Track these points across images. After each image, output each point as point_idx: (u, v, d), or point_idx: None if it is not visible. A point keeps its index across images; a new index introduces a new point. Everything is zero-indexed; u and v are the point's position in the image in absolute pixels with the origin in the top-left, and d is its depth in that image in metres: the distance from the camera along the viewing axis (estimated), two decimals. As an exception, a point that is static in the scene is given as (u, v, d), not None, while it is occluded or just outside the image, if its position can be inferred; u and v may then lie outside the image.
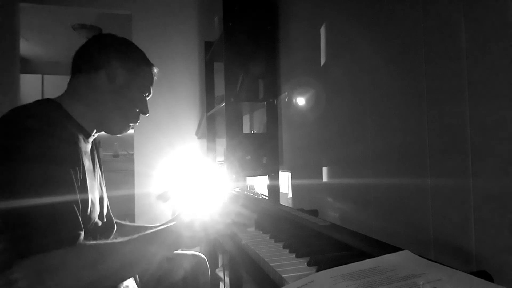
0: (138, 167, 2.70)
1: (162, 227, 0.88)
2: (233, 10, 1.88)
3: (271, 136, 1.92)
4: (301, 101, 1.67)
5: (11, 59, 2.55)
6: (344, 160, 1.31)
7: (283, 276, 0.69)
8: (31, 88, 4.43)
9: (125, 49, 1.01)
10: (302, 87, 1.65)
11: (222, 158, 2.38)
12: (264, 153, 1.89)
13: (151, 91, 1.07)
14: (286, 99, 1.83)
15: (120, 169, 4.83)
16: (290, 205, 1.75)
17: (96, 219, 0.94)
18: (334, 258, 0.73)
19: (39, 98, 0.92)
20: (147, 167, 2.66)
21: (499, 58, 0.73)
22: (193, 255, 1.32)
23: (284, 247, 0.88)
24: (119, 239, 0.81)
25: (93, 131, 0.99)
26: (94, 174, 1.00)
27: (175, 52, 2.81)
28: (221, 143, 2.35)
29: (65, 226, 0.73)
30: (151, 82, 1.06)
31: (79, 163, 0.84)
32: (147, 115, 1.06)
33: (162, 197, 2.52)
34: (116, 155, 5.30)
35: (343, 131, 1.31)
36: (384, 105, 1.09)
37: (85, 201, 0.86)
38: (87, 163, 0.94)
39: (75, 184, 0.79)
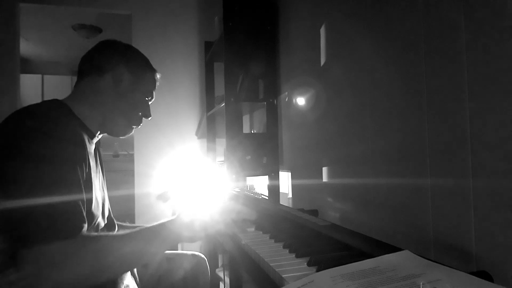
0: (138, 167, 2.70)
1: (162, 224, 0.87)
2: (233, 10, 1.88)
3: (271, 136, 1.92)
4: (301, 101, 1.67)
5: (11, 59, 2.55)
6: (344, 160, 1.31)
7: (283, 276, 0.69)
8: (31, 88, 4.43)
9: (130, 54, 1.05)
10: (302, 87, 1.65)
11: (222, 158, 2.38)
12: (264, 153, 1.89)
13: (154, 95, 1.10)
14: (286, 99, 1.83)
15: (120, 169, 4.83)
16: (290, 205, 1.75)
17: (99, 218, 0.95)
18: (334, 258, 0.73)
19: (39, 98, 0.94)
20: (147, 167, 2.66)
21: (499, 58, 0.73)
22: (193, 255, 1.32)
23: (284, 247, 0.88)
24: (120, 232, 0.82)
25: (97, 132, 1.01)
26: (97, 174, 1.01)
27: (175, 52, 2.81)
28: (221, 143, 2.35)
29: (69, 218, 0.74)
30: (154, 87, 1.10)
31: (85, 161, 0.86)
32: (149, 118, 1.10)
33: (162, 197, 2.52)
34: (116, 155, 5.30)
35: (343, 131, 1.31)
36: (384, 105, 1.09)
37: (89, 199, 0.87)
38: (92, 163, 0.95)
39: (81, 181, 0.81)
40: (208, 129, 2.50)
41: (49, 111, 0.87)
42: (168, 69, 2.79)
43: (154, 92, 1.10)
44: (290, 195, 1.80)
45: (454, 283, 0.56)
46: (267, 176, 1.90)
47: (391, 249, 0.74)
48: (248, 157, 1.87)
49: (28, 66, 4.84)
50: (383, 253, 0.69)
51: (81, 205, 0.78)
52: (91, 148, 1.00)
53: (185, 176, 2.61)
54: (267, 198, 1.84)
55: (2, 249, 0.75)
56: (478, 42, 0.77)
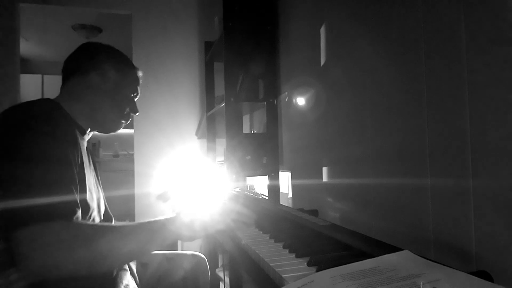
0: (138, 167, 2.70)
1: (162, 224, 0.87)
2: (233, 10, 1.88)
3: (271, 136, 1.92)
4: (301, 101, 1.67)
5: (11, 59, 2.55)
6: (344, 160, 1.31)
7: (283, 276, 0.69)
8: (31, 88, 4.43)
9: (113, 54, 1.09)
10: (302, 87, 1.65)
11: (222, 158, 2.38)
12: (264, 153, 1.89)
13: (139, 91, 1.15)
14: (286, 99, 1.83)
15: (120, 169, 4.84)
16: (290, 205, 1.75)
17: (95, 211, 0.95)
18: (334, 258, 0.73)
19: (39, 98, 0.96)
20: (147, 167, 2.66)
21: (499, 58, 0.73)
22: (193, 255, 1.32)
23: (284, 247, 0.88)
24: (119, 224, 0.83)
25: (87, 129, 1.04)
26: (90, 171, 1.02)
27: (175, 52, 2.81)
28: (221, 143, 2.35)
29: (62, 201, 0.76)
30: (137, 84, 1.14)
31: (77, 152, 0.88)
32: (137, 114, 1.14)
33: (162, 197, 2.52)
34: (116, 155, 5.30)
35: (343, 131, 1.31)
36: (384, 105, 1.09)
37: (83, 186, 0.88)
38: (84, 158, 0.96)
39: (74, 170, 0.83)
40: (208, 129, 2.50)
41: (41, 108, 0.89)
42: (168, 69, 2.79)
43: (139, 89, 1.14)
44: (290, 195, 1.80)
45: (454, 283, 0.56)
46: (267, 176, 1.90)
47: (391, 249, 0.74)
48: (248, 157, 1.87)
49: (28, 66, 4.84)
50: (383, 253, 0.69)
51: (75, 192, 0.80)
52: (83, 145, 1.02)
53: (185, 176, 2.61)
54: (267, 198, 1.84)
55: (2, 249, 0.75)
56: (478, 42, 0.77)
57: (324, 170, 1.44)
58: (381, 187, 1.09)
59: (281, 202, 1.83)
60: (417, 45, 0.94)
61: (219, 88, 2.38)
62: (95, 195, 0.99)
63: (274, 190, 1.89)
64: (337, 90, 1.36)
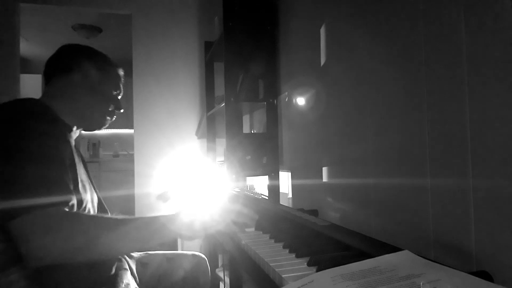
0: (138, 167, 2.70)
1: (162, 224, 0.87)
2: (233, 10, 1.88)
3: (271, 136, 1.91)
4: (301, 101, 1.67)
5: (11, 59, 2.55)
6: (344, 160, 1.31)
7: (283, 276, 0.69)
8: (31, 88, 4.43)
9: (93, 53, 1.11)
10: (302, 87, 1.65)
11: (222, 158, 2.38)
12: (264, 153, 1.89)
13: (122, 89, 1.16)
14: (286, 99, 1.83)
15: (120, 169, 4.84)
16: (290, 205, 1.75)
17: (89, 203, 0.97)
18: (334, 258, 0.73)
19: (23, 98, 0.98)
20: (147, 167, 2.66)
21: (499, 59, 0.73)
22: (193, 255, 1.32)
23: (284, 247, 0.88)
24: (118, 216, 0.84)
25: (73, 127, 1.05)
26: (81, 167, 1.03)
27: (175, 52, 2.81)
28: (221, 143, 2.35)
29: (56, 187, 0.78)
30: (119, 81, 1.15)
31: (66, 143, 0.90)
32: (121, 110, 1.15)
33: (162, 197, 2.52)
34: (116, 155, 5.30)
35: (343, 131, 1.31)
36: (384, 105, 1.09)
37: (75, 177, 0.89)
38: (74, 154, 0.97)
39: (65, 160, 0.85)
40: (208, 129, 2.50)
41: (28, 106, 0.91)
42: (168, 69, 2.79)
43: (121, 86, 1.16)
44: (290, 195, 1.80)
45: (454, 283, 0.56)
46: (267, 176, 1.90)
47: (391, 249, 0.74)
48: (248, 157, 1.87)
49: (28, 66, 4.84)
50: (383, 253, 0.69)
51: (68, 181, 0.82)
52: (71, 141, 1.03)
53: (185, 176, 2.61)
54: (267, 198, 1.84)
55: (2, 249, 0.75)
56: (478, 43, 0.77)
57: (324, 170, 1.44)
58: (381, 187, 1.09)
59: (281, 202, 1.83)
60: (417, 45, 0.94)
61: (219, 88, 2.38)
62: (88, 190, 1.00)
63: (274, 190, 1.89)
64: (337, 90, 1.36)
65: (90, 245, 0.76)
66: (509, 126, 0.71)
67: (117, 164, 4.97)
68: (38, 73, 4.71)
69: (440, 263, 0.65)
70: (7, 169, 0.76)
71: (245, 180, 1.99)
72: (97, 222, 0.80)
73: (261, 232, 1.05)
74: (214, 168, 2.41)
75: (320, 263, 0.72)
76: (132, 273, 1.14)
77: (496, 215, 0.73)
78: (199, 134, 2.77)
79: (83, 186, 0.95)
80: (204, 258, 1.33)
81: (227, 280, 1.83)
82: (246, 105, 2.02)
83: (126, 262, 1.13)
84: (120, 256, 1.10)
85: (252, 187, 2.08)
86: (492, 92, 0.74)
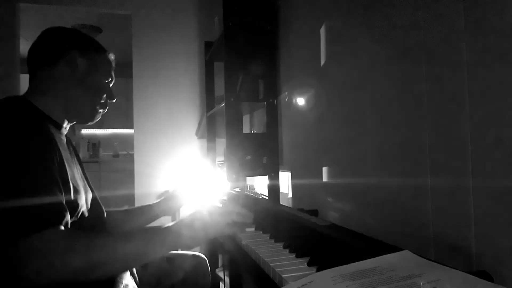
0: (138, 167, 2.70)
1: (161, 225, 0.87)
2: (233, 10, 1.88)
3: (271, 136, 1.91)
4: (301, 101, 1.67)
5: (11, 59, 2.55)
6: (344, 160, 1.31)
7: (283, 276, 0.69)
8: (31, 88, 4.42)
9: (79, 38, 1.02)
10: (302, 87, 1.65)
11: (222, 158, 2.38)
12: (264, 153, 1.89)
13: (113, 76, 1.08)
14: (286, 99, 1.83)
15: (120, 169, 4.84)
16: (290, 205, 1.74)
17: (83, 207, 0.92)
18: (334, 258, 0.73)
19: (6, 96, 0.92)
20: (147, 167, 2.66)
21: (499, 59, 0.73)
22: (194, 255, 1.32)
23: (284, 247, 0.88)
24: (116, 234, 0.82)
25: (63, 122, 1.00)
26: (73, 165, 0.98)
27: (175, 52, 2.81)
28: (221, 143, 2.35)
29: (48, 205, 0.73)
30: (110, 68, 1.07)
31: (54, 152, 0.83)
32: (114, 100, 1.07)
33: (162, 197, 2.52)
34: (116, 155, 5.30)
35: (343, 131, 1.31)
36: (384, 105, 1.09)
37: (66, 182, 0.84)
38: (64, 154, 0.92)
39: (54, 171, 0.79)
40: (208, 129, 2.50)
41: (8, 108, 0.85)
42: (168, 69, 2.79)
43: (113, 73, 1.08)
44: (290, 195, 1.80)
45: (454, 283, 0.56)
46: (267, 176, 1.90)
47: (391, 249, 0.74)
48: (248, 157, 1.87)
49: (28, 66, 4.84)
50: (383, 253, 0.69)
51: (59, 193, 0.77)
52: (61, 138, 0.99)
53: (185, 176, 2.61)
54: (267, 198, 1.84)
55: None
56: (478, 42, 0.77)
57: (324, 170, 1.44)
58: (381, 187, 1.09)
59: (281, 202, 1.83)
60: (417, 45, 0.94)
61: (219, 88, 2.38)
62: (82, 189, 0.95)
63: (274, 190, 1.89)
64: (337, 90, 1.36)
65: (90, 268, 0.72)
66: (509, 126, 0.71)
67: (117, 164, 4.97)
68: (38, 73, 4.70)
69: (440, 263, 0.65)
70: None
71: (245, 180, 1.99)
72: (96, 242, 0.75)
73: (261, 232, 1.05)
74: (214, 168, 2.41)
75: (320, 263, 0.72)
76: (131, 274, 1.14)
77: (496, 215, 0.73)
78: (199, 134, 2.77)
79: (76, 186, 0.90)
80: (204, 259, 1.33)
81: (227, 280, 1.83)
82: (246, 105, 2.01)
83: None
84: None
85: (252, 187, 2.08)
86: (492, 92, 0.74)
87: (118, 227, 1.18)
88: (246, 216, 0.93)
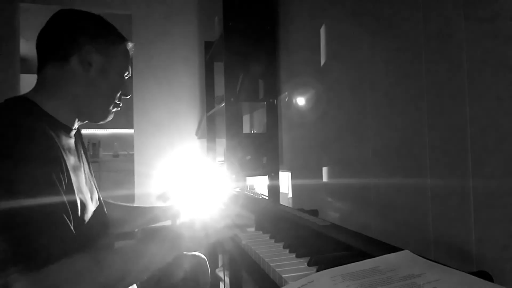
0: (138, 167, 2.70)
1: (161, 226, 0.87)
2: (233, 10, 1.88)
3: (271, 136, 1.91)
4: (301, 101, 1.67)
5: (11, 59, 2.55)
6: (344, 160, 1.31)
7: (283, 276, 0.69)
8: (31, 88, 4.42)
9: (95, 28, 0.91)
10: (302, 87, 1.65)
11: (222, 158, 2.38)
12: (264, 153, 1.89)
13: (130, 70, 0.98)
14: (286, 99, 1.83)
15: (120, 169, 4.84)
16: (290, 205, 1.75)
17: (89, 217, 0.89)
18: (334, 258, 0.73)
19: (10, 97, 0.85)
20: (147, 167, 2.66)
21: (499, 58, 0.73)
22: (193, 255, 1.31)
23: (284, 247, 0.88)
24: (117, 247, 0.80)
25: (73, 124, 0.92)
26: (81, 169, 0.94)
27: (175, 52, 2.81)
28: (221, 143, 2.35)
29: (55, 239, 0.69)
30: (128, 60, 0.97)
31: (61, 166, 0.77)
32: (129, 96, 0.99)
33: (162, 197, 2.52)
34: (116, 155, 5.30)
35: (343, 131, 1.31)
36: (384, 105, 1.09)
37: (74, 204, 0.81)
38: (72, 160, 0.88)
39: (58, 186, 0.74)
40: (208, 129, 2.50)
41: (10, 113, 0.78)
42: (168, 69, 2.79)
43: (130, 67, 0.98)
44: (290, 195, 1.80)
45: (454, 283, 0.56)
46: (267, 176, 1.90)
47: (391, 249, 0.74)
48: (248, 157, 1.87)
49: (28, 66, 4.83)
50: (383, 253, 0.69)
51: (66, 217, 0.72)
52: (70, 142, 0.91)
53: (185, 176, 2.61)
54: (267, 198, 1.84)
55: (2, 249, 0.75)
56: (478, 42, 0.77)
57: (324, 170, 1.44)
58: (381, 187, 1.09)
59: (281, 202, 1.83)
60: (417, 45, 0.94)
61: (219, 88, 2.38)
62: (89, 198, 0.91)
63: (274, 190, 1.89)
64: (337, 90, 1.36)
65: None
66: (509, 126, 0.71)
67: (117, 164, 4.97)
68: (38, 73, 4.71)
69: (440, 263, 0.65)
70: None
71: (245, 180, 1.99)
72: (102, 263, 0.73)
73: (261, 232, 1.05)
74: (214, 168, 2.41)
75: (320, 263, 0.72)
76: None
77: (496, 215, 0.73)
78: (199, 134, 2.77)
79: (83, 198, 0.86)
80: (204, 259, 1.32)
81: (227, 280, 1.83)
82: (246, 105, 2.02)
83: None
84: None
85: (252, 187, 2.08)
86: (492, 92, 0.74)
87: (120, 227, 1.18)
88: (247, 218, 0.93)
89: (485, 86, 0.76)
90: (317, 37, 1.48)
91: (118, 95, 0.95)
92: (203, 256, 1.33)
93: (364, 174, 1.18)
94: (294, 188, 1.76)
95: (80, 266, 0.71)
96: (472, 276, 0.57)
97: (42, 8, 3.12)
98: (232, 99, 1.87)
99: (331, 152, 1.40)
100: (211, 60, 2.51)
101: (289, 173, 1.81)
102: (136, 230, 1.26)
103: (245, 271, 1.24)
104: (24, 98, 0.85)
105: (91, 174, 1.04)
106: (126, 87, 0.97)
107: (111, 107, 0.95)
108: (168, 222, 1.30)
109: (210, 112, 2.43)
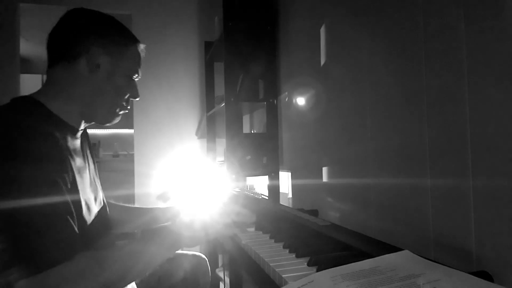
0: (138, 167, 2.70)
1: (161, 225, 0.87)
2: (233, 10, 1.88)
3: (271, 136, 1.91)
4: (301, 101, 1.67)
5: (11, 59, 2.55)
6: (344, 160, 1.31)
7: (283, 276, 0.69)
8: (31, 88, 4.42)
9: (106, 28, 0.91)
10: (302, 87, 1.65)
11: (222, 158, 2.38)
12: (264, 153, 1.89)
13: (140, 72, 0.97)
14: (286, 99, 1.83)
15: (120, 169, 4.84)
16: (290, 205, 1.75)
17: (92, 217, 0.90)
18: (334, 258, 0.73)
19: (18, 96, 0.85)
20: (147, 167, 2.66)
21: (499, 58, 0.73)
22: (194, 255, 1.32)
23: (284, 247, 0.88)
24: (117, 246, 0.81)
25: (80, 125, 0.92)
26: (86, 170, 0.94)
27: (175, 52, 2.81)
28: (221, 143, 2.35)
29: (59, 243, 0.70)
30: (138, 62, 0.96)
31: (66, 167, 0.77)
32: (137, 99, 0.98)
33: (162, 197, 2.52)
34: (116, 155, 5.30)
35: (343, 131, 1.31)
36: (384, 105, 1.09)
37: (79, 205, 0.82)
38: (78, 161, 0.88)
39: (63, 187, 0.74)
40: (208, 129, 2.50)
41: (18, 114, 0.78)
42: (168, 69, 2.79)
43: (139, 70, 0.97)
44: (290, 195, 1.80)
45: (454, 283, 0.56)
46: (267, 176, 1.90)
47: (391, 249, 0.74)
48: (248, 157, 1.87)
49: (28, 66, 4.84)
50: (383, 253, 0.69)
51: (70, 217, 0.73)
52: (76, 144, 0.91)
53: (185, 176, 2.61)
54: (267, 198, 1.84)
55: (2, 249, 0.75)
56: (478, 42, 0.77)
57: (324, 170, 1.44)
58: (381, 187, 1.09)
59: (281, 202, 1.83)
60: (417, 45, 0.94)
61: (219, 88, 2.38)
62: (93, 200, 0.92)
63: (274, 190, 1.89)
64: (337, 90, 1.36)
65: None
66: (509, 125, 0.71)
67: (117, 164, 4.97)
68: (38, 73, 4.71)
69: (440, 263, 0.65)
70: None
71: (245, 180, 1.99)
72: (103, 263, 0.74)
73: (261, 232, 1.05)
74: (214, 168, 2.41)
75: (320, 263, 0.72)
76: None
77: (496, 215, 0.73)
78: (199, 134, 2.77)
79: (87, 200, 0.87)
80: (204, 258, 1.33)
81: (227, 280, 1.83)
82: (246, 105, 2.01)
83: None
84: None
85: (252, 187, 2.08)
86: (492, 92, 0.74)
87: (120, 227, 1.18)
88: (247, 216, 0.93)
89: (485, 86, 0.76)
90: (317, 37, 1.48)
91: (126, 97, 0.94)
92: (203, 256, 1.33)
93: (364, 174, 1.18)
94: (294, 188, 1.76)
95: (81, 266, 0.71)
96: (472, 276, 0.57)
97: (42, 8, 3.12)
98: (232, 99, 1.87)
99: (331, 152, 1.40)
100: (211, 60, 2.51)
101: (289, 173, 1.81)
102: (136, 231, 1.26)
103: (245, 271, 1.24)
104: (30, 98, 0.84)
105: (96, 175, 1.04)
106: (134, 90, 0.96)
107: (118, 109, 0.94)
108: (168, 222, 1.29)
109: (210, 112, 2.43)
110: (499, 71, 0.73)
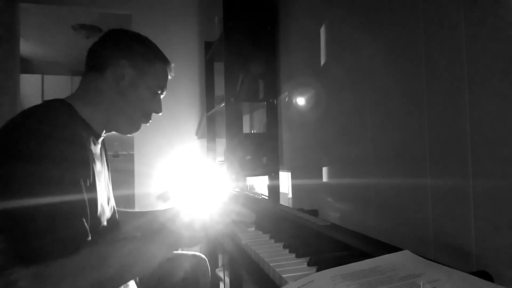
0: (138, 167, 2.70)
1: (161, 225, 0.87)
2: (233, 10, 1.88)
3: (271, 136, 1.91)
4: (301, 101, 1.67)
5: (11, 59, 2.55)
6: (344, 160, 1.31)
7: (283, 276, 0.69)
8: (31, 88, 4.43)
9: (136, 46, 0.98)
10: (302, 87, 1.65)
11: (222, 158, 2.38)
12: (264, 153, 1.89)
13: (164, 89, 1.04)
14: (286, 99, 1.83)
15: (120, 169, 4.83)
16: (290, 205, 1.75)
17: (105, 222, 0.93)
18: (334, 258, 0.73)
19: (39, 98, 0.91)
20: (147, 167, 2.66)
21: (499, 58, 0.73)
22: (194, 255, 1.32)
23: (284, 247, 0.88)
24: (118, 241, 0.81)
25: (102, 132, 0.99)
26: (102, 176, 0.98)
27: (175, 52, 2.80)
28: (221, 143, 2.35)
29: (68, 234, 0.72)
30: (164, 80, 1.03)
31: (88, 166, 0.81)
32: (160, 114, 1.05)
33: (162, 197, 2.52)
34: (116, 155, 5.30)
35: (343, 131, 1.31)
36: (384, 105, 1.09)
37: (95, 205, 0.85)
38: (98, 165, 0.93)
39: (83, 188, 0.78)
40: (208, 129, 2.50)
41: (52, 114, 0.83)
42: (168, 69, 2.79)
43: (165, 86, 1.04)
44: (290, 195, 1.80)
45: (454, 283, 0.56)
46: (267, 176, 1.90)
47: (391, 249, 0.74)
48: (248, 157, 1.87)
49: (28, 66, 4.84)
50: (383, 253, 0.69)
51: (84, 218, 0.76)
52: (97, 149, 0.97)
53: (185, 176, 2.61)
54: (267, 198, 1.84)
55: (2, 249, 0.75)
56: (478, 42, 0.77)
57: (324, 170, 1.44)
58: (381, 187, 1.09)
59: (281, 202, 1.83)
60: (417, 45, 0.94)
61: (219, 88, 2.38)
62: (106, 202, 0.95)
63: (274, 190, 1.89)
64: (337, 90, 1.36)
65: (100, 282, 0.73)
66: (509, 125, 0.71)
67: (117, 164, 4.96)
68: (38, 73, 4.71)
69: (440, 263, 0.65)
70: (15, 202, 0.69)
71: (245, 180, 1.99)
72: (104, 256, 0.75)
73: (261, 232, 1.05)
74: (214, 168, 2.41)
75: (320, 263, 0.72)
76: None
77: (496, 215, 0.73)
78: (199, 134, 2.77)
79: (103, 202, 0.90)
80: (204, 258, 1.33)
81: (227, 280, 1.83)
82: (246, 105, 2.02)
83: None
84: None
85: (252, 187, 2.08)
86: (492, 92, 0.74)
87: (124, 232, 1.19)
88: (248, 215, 0.94)
89: (485, 86, 0.76)
90: (317, 37, 1.48)
91: (147, 110, 1.01)
92: (203, 256, 1.33)
93: (364, 174, 1.18)
94: (294, 188, 1.76)
95: (84, 260, 0.73)
96: (472, 276, 0.57)
97: (42, 8, 3.12)
98: (232, 99, 1.87)
99: (331, 152, 1.40)
100: (211, 60, 2.51)
101: (289, 173, 1.81)
102: (138, 234, 1.27)
103: (245, 271, 1.24)
104: (63, 101, 0.90)
105: (110, 182, 1.08)
106: (157, 104, 1.03)
107: (138, 121, 1.01)
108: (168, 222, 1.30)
109: (210, 112, 2.43)
110: (499, 71, 0.73)
